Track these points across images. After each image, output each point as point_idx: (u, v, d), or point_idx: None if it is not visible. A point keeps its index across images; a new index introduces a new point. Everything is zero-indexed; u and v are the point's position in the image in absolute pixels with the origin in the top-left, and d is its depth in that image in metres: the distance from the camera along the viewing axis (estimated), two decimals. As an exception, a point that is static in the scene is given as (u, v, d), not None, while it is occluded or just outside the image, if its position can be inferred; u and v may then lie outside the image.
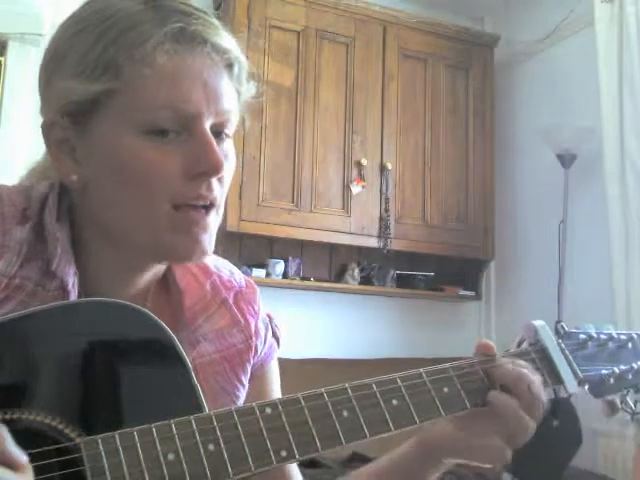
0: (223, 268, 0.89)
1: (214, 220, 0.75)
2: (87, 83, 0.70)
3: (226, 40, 0.74)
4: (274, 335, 0.91)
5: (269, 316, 0.91)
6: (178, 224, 0.72)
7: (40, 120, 0.75)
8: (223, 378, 0.82)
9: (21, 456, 0.53)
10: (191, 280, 0.84)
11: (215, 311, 0.84)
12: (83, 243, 0.77)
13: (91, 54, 0.71)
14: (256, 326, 0.87)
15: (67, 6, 0.77)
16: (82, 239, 0.77)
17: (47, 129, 0.75)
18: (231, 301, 0.86)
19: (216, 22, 0.75)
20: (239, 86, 0.77)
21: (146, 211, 0.72)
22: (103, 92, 0.70)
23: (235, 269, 0.91)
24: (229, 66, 0.75)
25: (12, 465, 0.52)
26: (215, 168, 0.72)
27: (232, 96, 0.75)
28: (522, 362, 0.79)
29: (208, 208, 0.74)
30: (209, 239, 0.75)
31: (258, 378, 0.87)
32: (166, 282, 0.84)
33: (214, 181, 0.73)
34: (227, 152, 0.76)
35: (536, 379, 0.77)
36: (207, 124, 0.72)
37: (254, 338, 0.86)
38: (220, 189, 0.75)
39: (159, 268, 0.81)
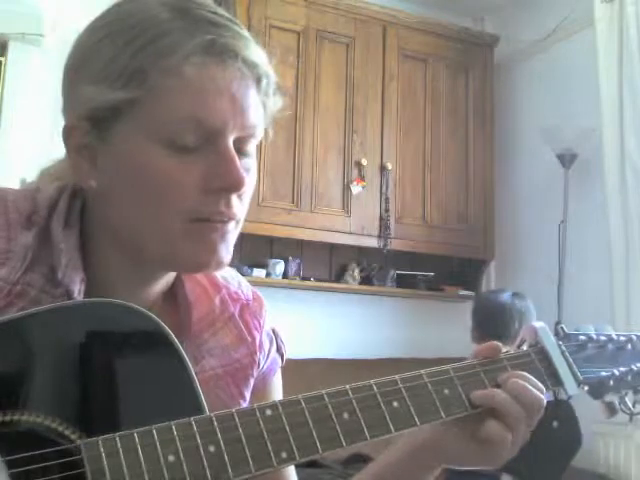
0: (231, 279, 0.86)
1: (232, 230, 0.73)
2: (111, 90, 0.69)
3: (256, 54, 0.72)
4: (278, 351, 0.89)
5: (274, 331, 0.89)
6: (193, 233, 0.70)
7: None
8: (225, 393, 0.80)
9: None
10: (201, 293, 0.82)
11: (222, 327, 0.82)
12: (92, 250, 0.75)
13: (117, 61, 0.69)
14: (260, 340, 0.85)
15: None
16: (91, 246, 0.75)
17: (67, 133, 0.73)
18: (237, 314, 0.84)
19: (246, 33, 0.73)
20: (265, 99, 0.75)
21: (161, 223, 0.70)
22: (127, 101, 0.69)
23: (244, 281, 0.88)
24: (257, 80, 0.73)
25: None
26: (235, 185, 0.70)
27: (258, 110, 0.73)
28: (522, 373, 0.77)
29: (226, 221, 0.72)
30: (226, 249, 0.72)
31: (259, 393, 0.84)
32: (173, 293, 0.82)
33: (234, 197, 0.71)
34: (249, 167, 0.74)
35: (536, 388, 0.76)
36: (230, 138, 0.70)
37: (258, 353, 0.84)
38: (240, 205, 0.72)
39: (168, 279, 0.80)
